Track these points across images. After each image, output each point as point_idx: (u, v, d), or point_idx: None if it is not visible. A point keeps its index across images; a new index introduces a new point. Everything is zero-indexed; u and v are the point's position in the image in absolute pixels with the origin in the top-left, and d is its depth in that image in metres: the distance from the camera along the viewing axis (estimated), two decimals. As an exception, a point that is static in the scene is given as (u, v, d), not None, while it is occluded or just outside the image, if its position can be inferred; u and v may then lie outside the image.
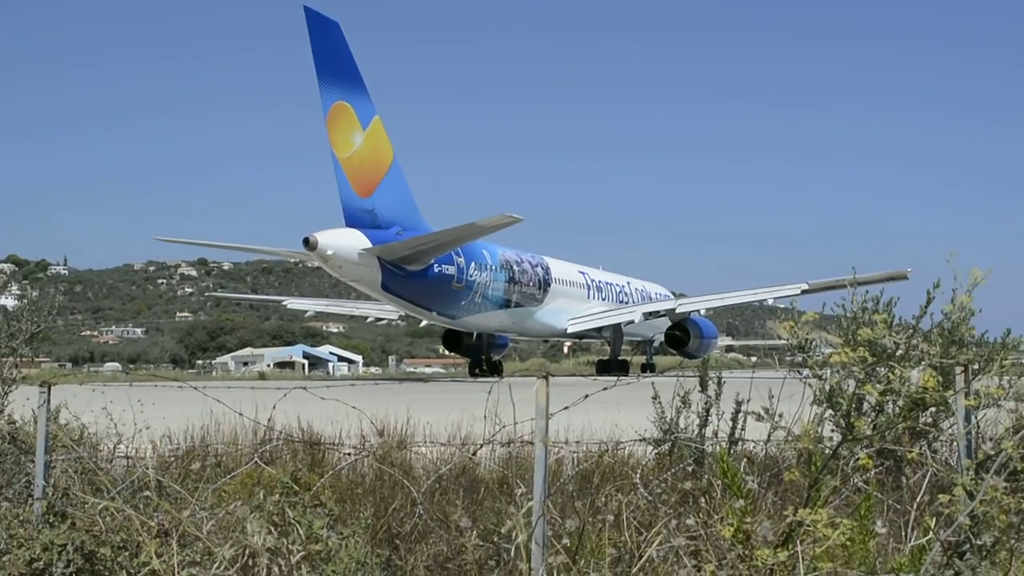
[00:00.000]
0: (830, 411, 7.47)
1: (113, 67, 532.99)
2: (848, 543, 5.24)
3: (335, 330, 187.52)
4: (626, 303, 78.15)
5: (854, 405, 7.80)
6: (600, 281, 77.13)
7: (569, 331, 71.98)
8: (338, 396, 10.11)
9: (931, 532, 5.22)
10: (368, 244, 53.38)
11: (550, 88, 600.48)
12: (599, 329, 73.29)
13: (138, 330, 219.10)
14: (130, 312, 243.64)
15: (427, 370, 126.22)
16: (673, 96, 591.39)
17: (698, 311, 75.46)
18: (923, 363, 8.39)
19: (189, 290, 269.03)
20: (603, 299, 75.78)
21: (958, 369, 7.52)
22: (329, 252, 52.43)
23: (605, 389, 8.41)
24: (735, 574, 5.15)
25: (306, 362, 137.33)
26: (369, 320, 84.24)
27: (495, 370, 69.39)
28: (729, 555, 5.24)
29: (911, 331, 10.69)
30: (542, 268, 68.37)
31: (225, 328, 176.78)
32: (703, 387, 11.67)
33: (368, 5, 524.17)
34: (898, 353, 8.60)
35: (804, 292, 60.07)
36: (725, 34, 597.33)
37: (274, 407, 10.96)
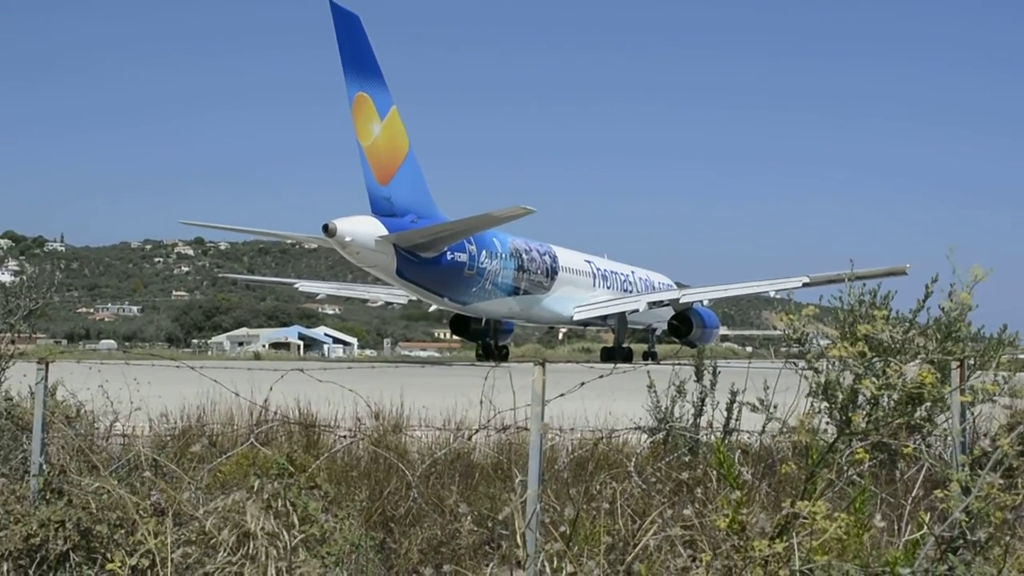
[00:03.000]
0: (825, 404, 7.49)
1: (126, 58, 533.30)
2: (843, 536, 5.26)
3: (331, 312, 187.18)
4: (630, 292, 79.28)
5: (848, 398, 7.79)
6: (605, 270, 78.44)
7: (575, 318, 73.51)
8: (334, 379, 10.12)
9: (925, 527, 5.23)
10: (384, 231, 55.03)
11: (560, 85, 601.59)
12: (604, 317, 74.76)
13: (134, 308, 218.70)
14: (126, 290, 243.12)
15: (422, 353, 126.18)
16: (681, 96, 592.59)
17: (701, 301, 76.63)
18: (920, 358, 8.40)
19: (186, 269, 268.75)
20: (608, 288, 76.96)
21: (954, 364, 7.55)
22: (347, 239, 54.14)
23: (601, 377, 8.43)
24: (730, 564, 5.18)
25: (301, 343, 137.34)
26: (377, 304, 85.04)
27: (501, 355, 71.31)
28: (724, 545, 5.27)
29: (908, 325, 10.74)
30: (550, 257, 70.07)
31: (221, 308, 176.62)
32: (699, 377, 11.70)
33: (386, 5, 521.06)
34: (895, 347, 8.60)
35: (805, 285, 60.68)
36: (738, 42, 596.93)
37: (271, 388, 10.96)
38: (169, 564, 6.50)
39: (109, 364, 12.00)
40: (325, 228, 53.81)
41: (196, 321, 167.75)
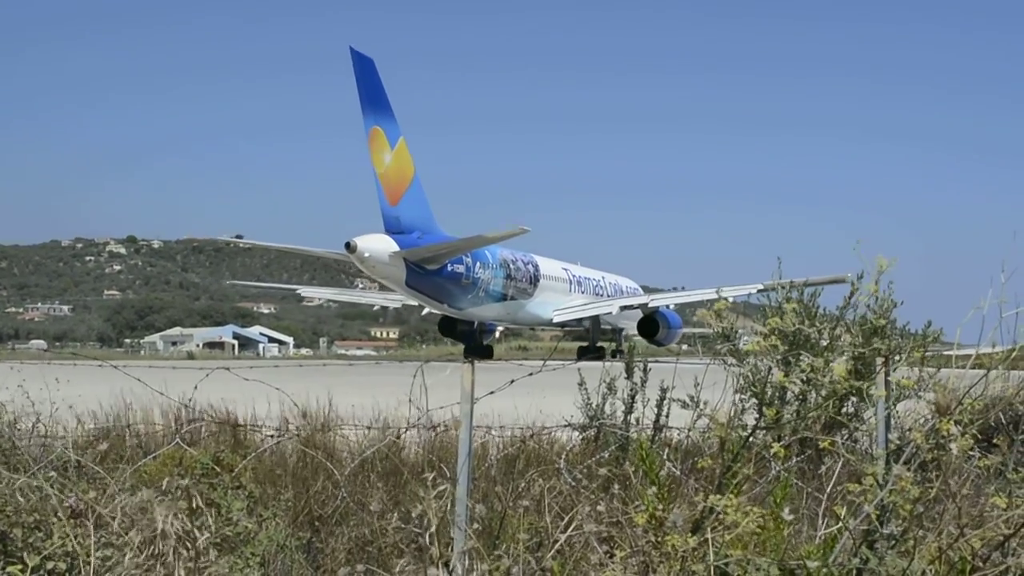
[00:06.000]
0: (754, 399, 7.52)
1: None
2: (760, 530, 5.29)
3: (266, 311, 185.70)
4: (601, 295, 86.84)
5: (777, 394, 7.82)
6: (580, 276, 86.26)
7: (555, 320, 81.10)
8: (261, 377, 10.00)
9: (841, 521, 5.28)
10: (396, 248, 62.40)
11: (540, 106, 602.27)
12: (580, 320, 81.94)
13: (65, 308, 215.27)
14: (57, 289, 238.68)
15: (359, 352, 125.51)
16: (647, 71, 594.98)
17: (667, 305, 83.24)
18: (846, 353, 8.48)
19: (118, 267, 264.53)
20: (583, 292, 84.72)
21: (880, 359, 7.62)
22: (366, 255, 61.33)
23: (531, 374, 8.43)
24: (647, 560, 5.18)
25: (236, 343, 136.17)
26: (313, 303, 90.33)
27: (486, 353, 78.20)
28: (641, 541, 5.26)
29: (835, 321, 10.84)
30: (532, 266, 77.87)
31: (154, 307, 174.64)
32: (629, 374, 11.75)
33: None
34: (823, 343, 8.68)
35: (760, 291, 63.29)
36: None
37: (196, 387, 10.81)
38: (82, 566, 6.36)
39: (31, 364, 11.76)
40: (347, 246, 60.51)
41: (129, 321, 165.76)
